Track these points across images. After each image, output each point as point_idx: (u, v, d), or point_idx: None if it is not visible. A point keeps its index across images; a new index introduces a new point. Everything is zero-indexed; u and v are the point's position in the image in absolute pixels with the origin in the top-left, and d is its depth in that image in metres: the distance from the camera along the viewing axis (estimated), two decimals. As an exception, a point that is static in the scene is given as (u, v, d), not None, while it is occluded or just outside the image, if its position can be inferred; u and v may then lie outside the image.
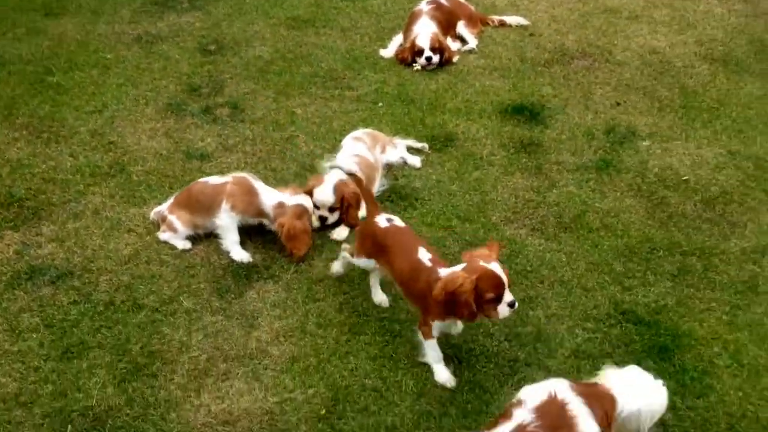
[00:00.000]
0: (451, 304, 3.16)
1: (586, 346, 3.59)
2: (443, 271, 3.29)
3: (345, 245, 4.05)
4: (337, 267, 3.99)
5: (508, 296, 3.18)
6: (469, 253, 3.30)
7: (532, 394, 2.66)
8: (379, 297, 3.87)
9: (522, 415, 2.56)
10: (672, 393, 3.13)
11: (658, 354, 3.55)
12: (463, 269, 3.19)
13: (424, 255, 3.44)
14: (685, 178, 4.77)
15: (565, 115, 5.45)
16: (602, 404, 2.68)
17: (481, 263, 3.16)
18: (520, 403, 2.63)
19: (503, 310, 3.19)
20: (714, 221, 4.41)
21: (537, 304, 3.84)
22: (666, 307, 3.82)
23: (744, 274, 4.03)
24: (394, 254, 3.53)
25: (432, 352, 3.47)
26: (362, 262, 3.76)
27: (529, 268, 4.07)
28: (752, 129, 5.29)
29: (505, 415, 2.61)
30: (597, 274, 4.04)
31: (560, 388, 2.67)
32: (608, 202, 4.57)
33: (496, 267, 3.15)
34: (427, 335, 3.43)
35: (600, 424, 2.61)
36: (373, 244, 3.64)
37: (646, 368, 3.09)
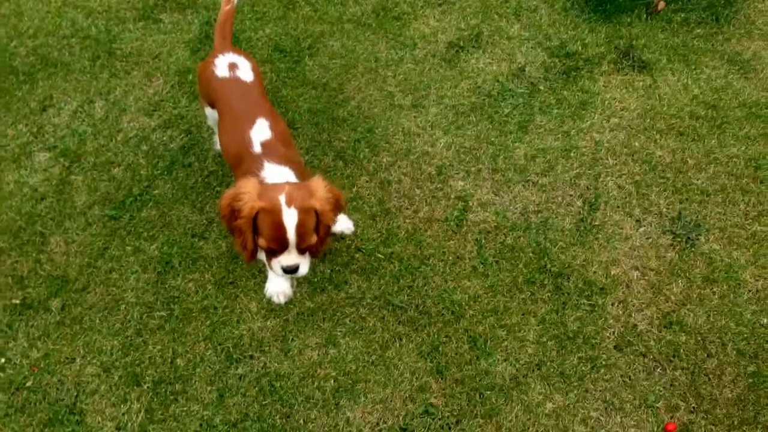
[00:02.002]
0: (229, 222, 2.25)
1: None
2: (269, 168, 2.32)
3: None
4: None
5: (287, 259, 2.26)
6: (297, 184, 2.30)
7: None
8: None
9: None
10: None
11: None
12: (266, 188, 2.21)
13: (260, 133, 2.40)
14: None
15: None
16: None
17: (282, 198, 2.14)
18: None
19: (275, 266, 2.31)
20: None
21: None
22: None
23: None
24: (222, 119, 2.49)
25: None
26: (207, 111, 2.74)
27: None
28: None
29: None
30: None
31: None
32: None
33: (290, 216, 2.14)
34: None
35: None
36: (209, 91, 2.59)
37: None
